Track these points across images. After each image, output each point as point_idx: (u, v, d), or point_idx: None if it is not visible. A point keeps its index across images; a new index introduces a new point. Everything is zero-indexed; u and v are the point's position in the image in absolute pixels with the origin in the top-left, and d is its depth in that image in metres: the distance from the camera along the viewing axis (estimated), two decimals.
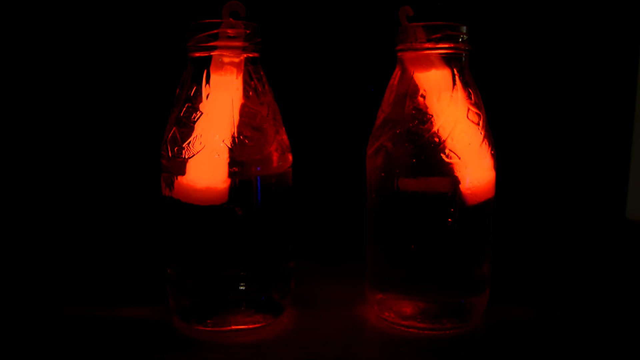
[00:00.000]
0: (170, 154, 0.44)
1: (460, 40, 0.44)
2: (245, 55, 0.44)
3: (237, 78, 0.43)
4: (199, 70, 0.43)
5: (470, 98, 0.45)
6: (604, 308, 0.49)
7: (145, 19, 0.66)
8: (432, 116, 0.44)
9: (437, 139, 0.43)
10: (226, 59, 0.43)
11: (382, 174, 0.46)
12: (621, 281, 0.56)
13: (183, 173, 0.43)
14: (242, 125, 0.43)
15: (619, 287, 0.55)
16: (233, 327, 0.45)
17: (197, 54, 0.44)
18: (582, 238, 0.70)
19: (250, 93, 0.44)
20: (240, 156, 0.43)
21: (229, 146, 0.43)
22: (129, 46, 0.67)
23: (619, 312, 0.49)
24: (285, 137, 0.47)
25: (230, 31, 0.43)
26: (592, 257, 0.63)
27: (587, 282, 0.56)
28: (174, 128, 0.44)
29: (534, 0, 0.67)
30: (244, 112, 0.44)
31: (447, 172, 0.43)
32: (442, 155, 0.43)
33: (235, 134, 0.43)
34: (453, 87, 0.44)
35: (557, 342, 0.43)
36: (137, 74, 0.67)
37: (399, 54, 0.46)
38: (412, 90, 0.45)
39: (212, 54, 0.43)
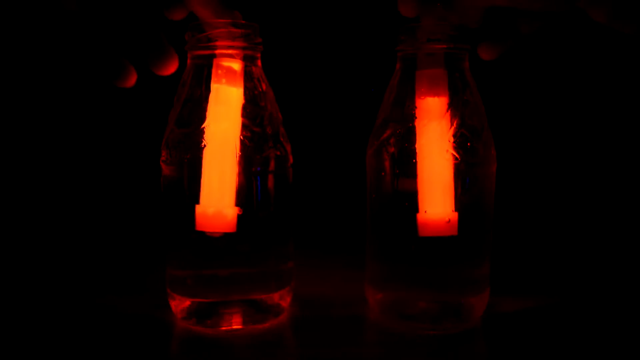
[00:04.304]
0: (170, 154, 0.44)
1: (460, 40, 0.44)
2: (245, 55, 0.44)
3: (237, 78, 0.43)
4: (199, 70, 0.43)
5: (471, 98, 0.45)
6: (605, 308, 0.49)
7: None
8: None
9: None
10: (226, 59, 0.43)
11: (382, 174, 0.46)
12: (621, 281, 0.56)
13: None
14: (242, 125, 0.43)
15: (619, 287, 0.55)
16: (233, 327, 0.45)
17: (197, 54, 0.44)
18: (582, 238, 0.69)
19: (250, 93, 0.44)
20: (240, 156, 0.43)
21: None
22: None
23: (620, 312, 0.49)
24: (285, 137, 0.47)
25: (230, 31, 0.43)
26: (592, 257, 0.63)
27: (588, 282, 0.56)
28: (174, 128, 0.44)
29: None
30: (244, 112, 0.43)
31: None
32: None
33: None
34: (453, 88, 0.44)
35: (557, 342, 0.43)
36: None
37: (399, 53, 0.46)
38: (412, 90, 0.45)
39: (211, 53, 0.43)
